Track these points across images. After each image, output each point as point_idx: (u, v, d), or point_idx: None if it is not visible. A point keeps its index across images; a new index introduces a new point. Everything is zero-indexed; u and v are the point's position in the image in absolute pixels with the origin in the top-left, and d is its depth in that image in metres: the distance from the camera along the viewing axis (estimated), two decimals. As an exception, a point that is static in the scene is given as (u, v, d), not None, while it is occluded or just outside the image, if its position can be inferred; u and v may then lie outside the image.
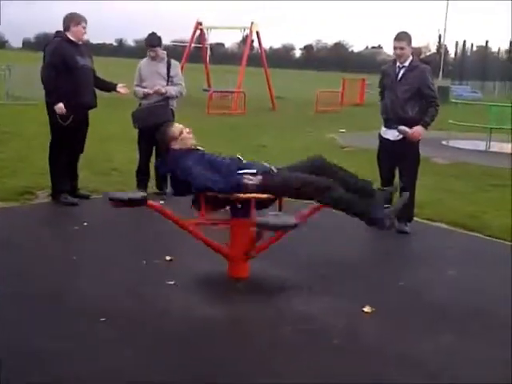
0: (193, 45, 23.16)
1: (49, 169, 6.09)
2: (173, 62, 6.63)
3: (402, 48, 5.55)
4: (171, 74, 6.52)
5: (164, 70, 6.50)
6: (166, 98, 6.47)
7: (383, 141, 5.84)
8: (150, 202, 3.97)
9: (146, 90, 6.40)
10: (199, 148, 4.33)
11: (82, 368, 2.95)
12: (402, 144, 5.61)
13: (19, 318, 3.45)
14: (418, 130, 5.54)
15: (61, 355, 3.04)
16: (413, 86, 5.53)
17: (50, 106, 5.83)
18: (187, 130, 4.34)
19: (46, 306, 3.63)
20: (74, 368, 2.94)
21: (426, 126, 5.57)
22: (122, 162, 8.22)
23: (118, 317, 3.52)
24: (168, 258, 4.55)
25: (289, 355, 3.21)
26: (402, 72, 5.61)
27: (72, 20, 5.86)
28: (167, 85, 6.47)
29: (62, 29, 5.89)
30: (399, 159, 5.74)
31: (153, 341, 3.27)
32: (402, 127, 5.56)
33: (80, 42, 5.93)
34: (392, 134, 5.69)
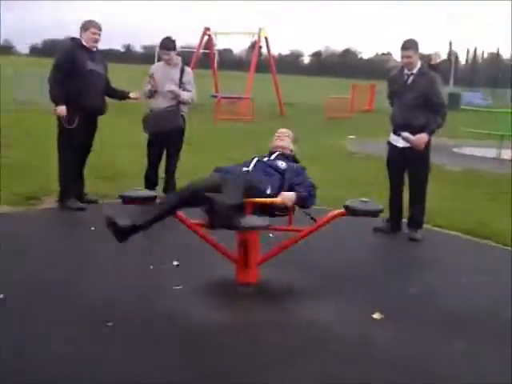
0: (201, 50, 23.20)
1: (57, 173, 6.06)
2: (186, 68, 6.58)
3: (408, 57, 5.50)
4: (184, 79, 6.43)
5: (177, 76, 6.42)
6: (178, 104, 6.42)
7: (392, 147, 5.79)
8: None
9: (149, 87, 6.34)
10: None
11: (84, 371, 2.91)
12: (412, 151, 5.55)
13: (25, 321, 3.41)
14: (421, 137, 5.46)
15: (63, 359, 3.01)
16: (421, 94, 5.47)
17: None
18: None
19: (53, 310, 3.60)
20: (74, 371, 2.90)
21: (430, 133, 5.50)
22: (127, 167, 8.21)
23: (125, 321, 3.49)
24: (175, 263, 4.52)
25: (296, 361, 3.16)
26: (410, 79, 5.57)
27: (84, 26, 5.93)
28: None
29: (72, 34, 6.02)
30: (409, 166, 5.68)
31: (158, 346, 3.23)
32: (406, 134, 5.50)
33: (94, 49, 5.99)
34: (402, 142, 5.63)
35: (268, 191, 4.05)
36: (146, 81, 6.57)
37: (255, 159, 4.34)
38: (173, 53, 6.46)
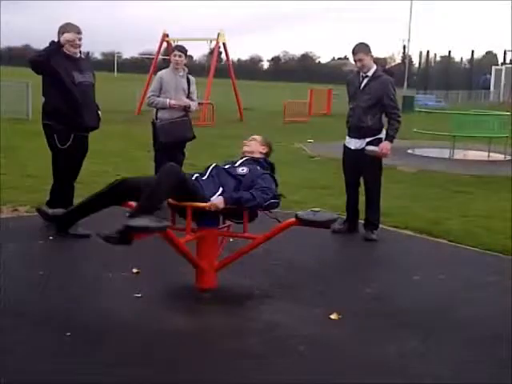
0: (160, 56, 23.13)
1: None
2: (191, 77, 6.59)
3: (360, 60, 5.63)
4: (190, 89, 6.52)
5: (186, 86, 6.47)
6: (187, 113, 6.48)
7: (347, 150, 5.93)
8: None
9: (173, 102, 6.32)
10: None
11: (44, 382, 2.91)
12: (365, 153, 5.70)
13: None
14: (385, 146, 5.61)
15: (23, 371, 3.01)
16: (374, 96, 5.61)
17: (47, 127, 5.38)
18: None
19: (12, 321, 3.57)
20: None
21: (391, 140, 5.64)
22: (88, 174, 8.16)
23: (84, 330, 3.49)
24: (135, 270, 4.53)
25: (255, 364, 3.21)
26: (364, 81, 5.70)
27: (61, 31, 5.21)
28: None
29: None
30: (363, 168, 5.82)
31: (119, 353, 3.25)
32: (370, 148, 5.66)
33: (78, 55, 5.35)
34: (354, 144, 5.78)
35: (214, 197, 4.04)
36: (153, 87, 6.46)
37: (212, 165, 4.38)
38: (184, 56, 6.45)
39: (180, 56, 6.39)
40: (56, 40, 5.15)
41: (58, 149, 5.34)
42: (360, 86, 5.72)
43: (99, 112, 5.61)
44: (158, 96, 6.38)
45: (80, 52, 5.44)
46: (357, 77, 5.80)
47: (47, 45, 5.14)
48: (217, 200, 3.95)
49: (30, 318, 3.64)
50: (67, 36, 5.12)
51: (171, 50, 6.55)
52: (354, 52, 5.67)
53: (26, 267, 4.56)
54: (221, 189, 4.12)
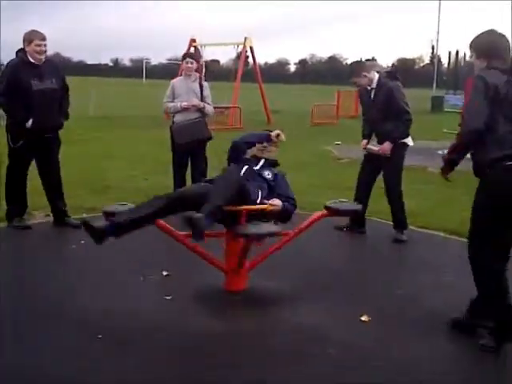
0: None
1: (4, 192, 5.81)
2: (204, 82, 6.69)
3: (355, 82, 5.81)
4: (204, 94, 6.59)
5: (198, 89, 6.56)
6: (203, 115, 6.55)
7: (367, 154, 5.99)
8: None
9: (184, 104, 6.41)
10: None
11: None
12: (366, 151, 5.90)
13: (18, 336, 3.46)
14: (385, 146, 5.67)
15: (54, 375, 3.06)
16: (383, 106, 5.66)
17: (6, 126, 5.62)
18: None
19: (43, 324, 3.64)
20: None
21: (393, 140, 5.65)
22: (117, 179, 8.27)
23: (115, 333, 3.54)
24: (165, 273, 4.58)
25: (284, 366, 3.22)
26: (372, 93, 5.77)
27: (25, 39, 5.43)
28: None
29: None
30: (383, 167, 5.84)
31: (150, 356, 3.28)
32: (370, 146, 5.82)
33: (42, 62, 5.48)
34: (376, 147, 5.83)
35: (258, 200, 4.12)
36: (166, 94, 6.61)
37: (245, 167, 4.41)
38: (195, 64, 6.58)
39: (191, 63, 6.53)
40: (22, 47, 5.42)
41: (10, 148, 5.56)
42: (369, 99, 5.80)
43: (63, 116, 5.76)
44: (172, 102, 6.52)
45: (42, 59, 5.52)
46: (366, 89, 5.84)
47: (14, 55, 5.50)
48: (276, 201, 4.09)
49: (62, 320, 3.70)
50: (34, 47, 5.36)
51: (183, 58, 6.67)
52: (351, 75, 5.84)
53: (59, 271, 4.63)
54: (260, 191, 4.19)
